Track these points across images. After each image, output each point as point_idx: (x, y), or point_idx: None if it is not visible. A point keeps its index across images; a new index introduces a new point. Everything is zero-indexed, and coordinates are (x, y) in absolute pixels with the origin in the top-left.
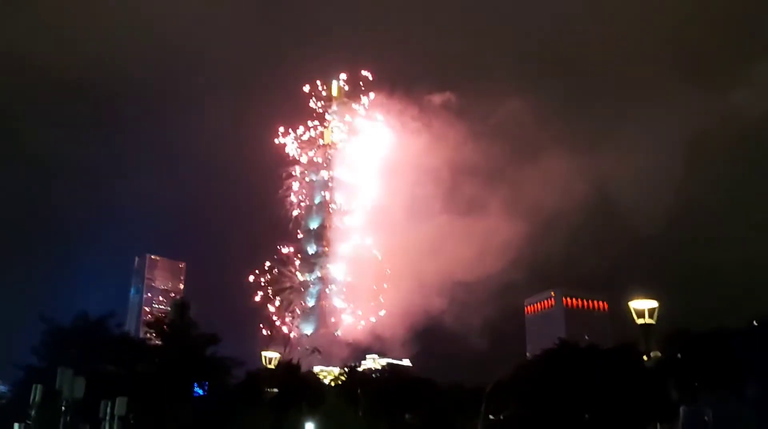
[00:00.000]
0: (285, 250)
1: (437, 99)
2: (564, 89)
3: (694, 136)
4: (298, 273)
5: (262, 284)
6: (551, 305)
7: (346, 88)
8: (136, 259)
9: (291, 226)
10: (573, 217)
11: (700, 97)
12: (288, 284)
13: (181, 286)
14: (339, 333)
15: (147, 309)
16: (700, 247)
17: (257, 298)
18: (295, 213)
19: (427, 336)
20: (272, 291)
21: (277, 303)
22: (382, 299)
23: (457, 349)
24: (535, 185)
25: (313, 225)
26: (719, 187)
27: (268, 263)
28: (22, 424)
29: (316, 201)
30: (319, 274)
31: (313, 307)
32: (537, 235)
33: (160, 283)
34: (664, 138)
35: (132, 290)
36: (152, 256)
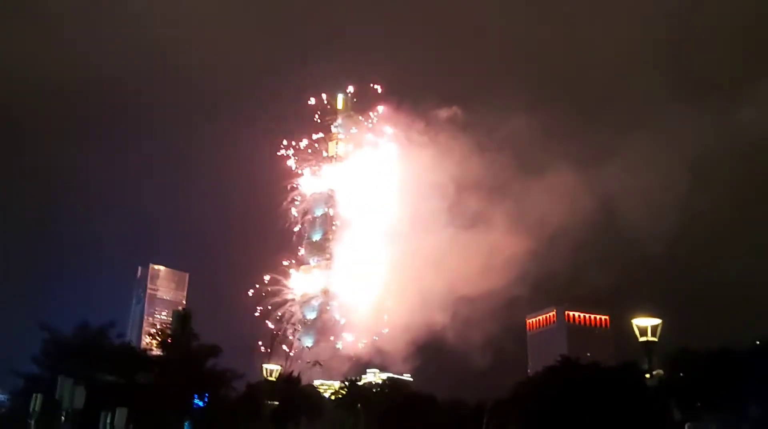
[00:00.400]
0: (287, 263)
1: (444, 113)
2: (570, 104)
3: (700, 153)
4: (299, 286)
5: (263, 296)
6: (553, 321)
7: (354, 100)
8: (139, 268)
9: (294, 238)
10: (578, 232)
11: (706, 115)
12: (289, 297)
13: (184, 297)
14: (340, 346)
15: (149, 319)
16: (704, 265)
17: (258, 311)
18: (297, 227)
19: (429, 351)
20: (273, 304)
21: (278, 316)
22: (385, 317)
23: (459, 365)
24: (540, 200)
25: (316, 237)
26: (724, 204)
27: (268, 277)
28: None
29: (319, 213)
30: (320, 287)
31: (314, 320)
32: (541, 251)
33: (162, 294)
34: (670, 154)
35: (134, 300)
36: (155, 266)
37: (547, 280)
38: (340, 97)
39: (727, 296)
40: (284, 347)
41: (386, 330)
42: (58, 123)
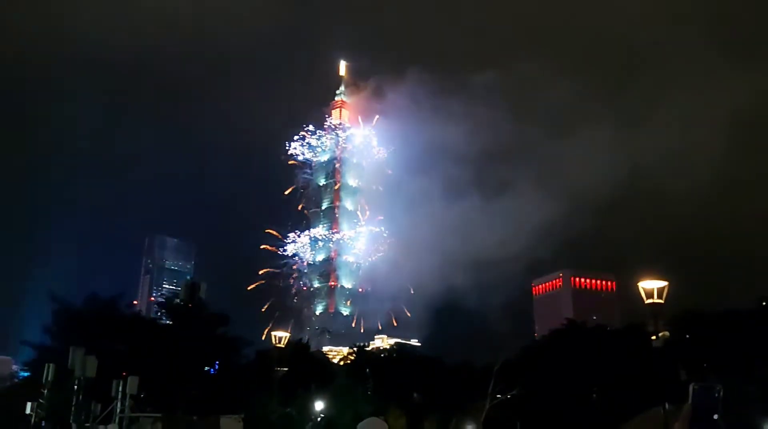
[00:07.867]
0: (296, 232)
1: (478, 78)
2: (605, 68)
3: (736, 115)
4: (308, 254)
5: (272, 265)
6: (559, 285)
7: (371, 68)
8: (147, 239)
9: (301, 207)
10: (605, 197)
11: (743, 76)
12: (298, 265)
13: (192, 267)
14: (346, 313)
15: (157, 289)
16: (733, 229)
17: (266, 281)
18: (304, 196)
19: (444, 315)
20: (282, 273)
21: (287, 284)
22: (398, 284)
23: (470, 328)
24: (570, 165)
25: (324, 205)
26: (758, 166)
27: (276, 247)
28: (35, 403)
29: (326, 182)
30: (329, 255)
31: (322, 287)
32: (566, 217)
33: (170, 264)
34: (705, 116)
35: (142, 270)
36: (163, 237)
37: (568, 245)
38: (342, 63)
39: (757, 258)
40: (293, 315)
41: (397, 296)
42: (73, 93)
